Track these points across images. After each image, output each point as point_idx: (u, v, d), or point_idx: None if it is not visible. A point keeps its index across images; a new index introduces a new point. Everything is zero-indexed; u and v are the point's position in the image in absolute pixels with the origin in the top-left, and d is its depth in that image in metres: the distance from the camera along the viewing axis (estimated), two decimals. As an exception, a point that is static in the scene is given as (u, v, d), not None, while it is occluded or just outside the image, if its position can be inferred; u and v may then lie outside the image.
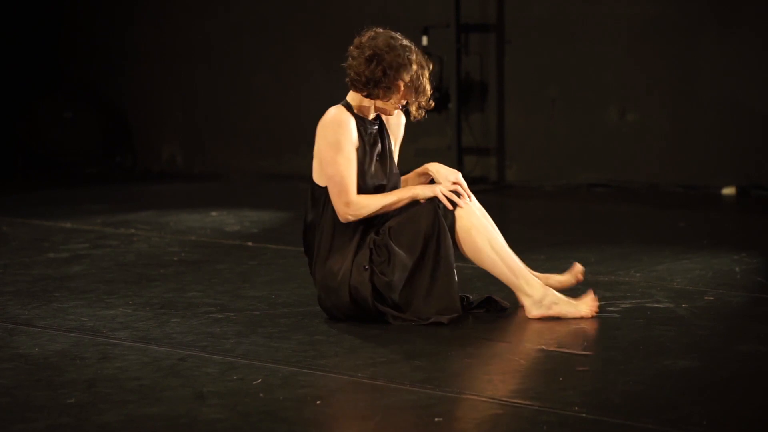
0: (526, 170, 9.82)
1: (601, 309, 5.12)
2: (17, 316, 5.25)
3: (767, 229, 7.72)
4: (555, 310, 4.96)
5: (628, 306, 5.19)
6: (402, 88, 4.93)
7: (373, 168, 4.97)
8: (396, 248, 4.87)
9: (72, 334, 4.88)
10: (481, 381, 4.25)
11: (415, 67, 4.93)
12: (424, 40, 9.86)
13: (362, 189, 4.93)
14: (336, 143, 4.87)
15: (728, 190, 8.97)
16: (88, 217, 8.24)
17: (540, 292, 4.96)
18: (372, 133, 5.00)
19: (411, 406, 3.90)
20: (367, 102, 4.99)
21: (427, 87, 5.00)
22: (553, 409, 3.80)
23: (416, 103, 5.00)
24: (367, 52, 4.92)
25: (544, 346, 4.57)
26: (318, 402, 3.95)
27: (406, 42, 5.01)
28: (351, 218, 4.90)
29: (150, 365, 4.41)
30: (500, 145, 9.89)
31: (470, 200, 5.00)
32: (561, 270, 5.99)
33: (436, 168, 5.11)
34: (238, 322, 5.04)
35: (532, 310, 4.97)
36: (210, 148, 11.30)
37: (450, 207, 4.92)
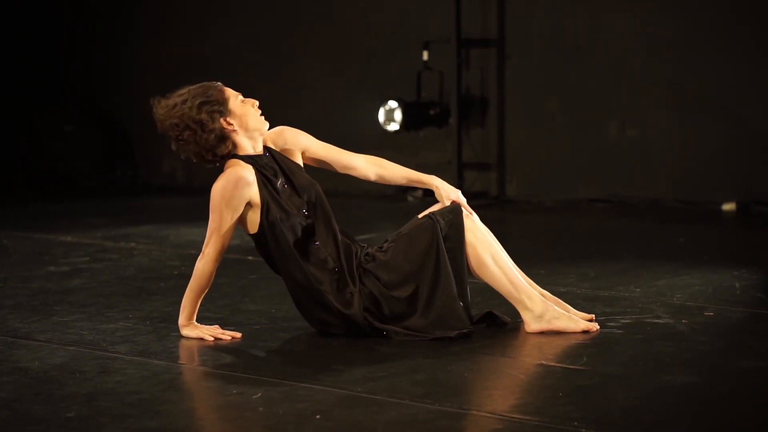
0: (526, 185, 9.83)
1: (602, 324, 5.12)
2: (17, 329, 5.25)
3: (767, 245, 7.72)
4: (555, 325, 4.97)
5: (628, 321, 5.19)
6: (230, 112, 4.89)
7: (285, 196, 4.93)
8: (398, 263, 4.89)
9: (72, 348, 4.88)
10: (480, 396, 4.25)
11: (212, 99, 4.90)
12: (425, 55, 9.87)
13: (286, 221, 4.88)
14: (218, 200, 4.96)
15: (728, 206, 8.97)
16: (88, 231, 8.25)
17: (541, 307, 4.97)
18: (268, 166, 4.94)
19: (410, 420, 3.90)
20: (248, 142, 4.92)
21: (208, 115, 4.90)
22: (553, 425, 3.80)
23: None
24: (176, 122, 4.92)
25: (544, 361, 4.57)
26: (317, 416, 3.95)
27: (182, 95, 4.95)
28: (200, 266, 4.92)
29: (150, 379, 4.41)
30: (501, 159, 9.90)
31: (473, 215, 5.02)
32: (562, 284, 5.99)
33: (440, 183, 5.10)
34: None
35: (532, 324, 4.97)
36: (210, 162, 11.29)
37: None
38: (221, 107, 4.86)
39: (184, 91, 4.94)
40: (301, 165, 5.05)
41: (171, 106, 4.93)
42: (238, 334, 4.99)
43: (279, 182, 4.92)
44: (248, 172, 4.86)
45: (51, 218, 9.09)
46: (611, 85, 9.46)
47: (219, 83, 4.95)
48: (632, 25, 9.31)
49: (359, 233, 5.00)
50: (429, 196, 9.97)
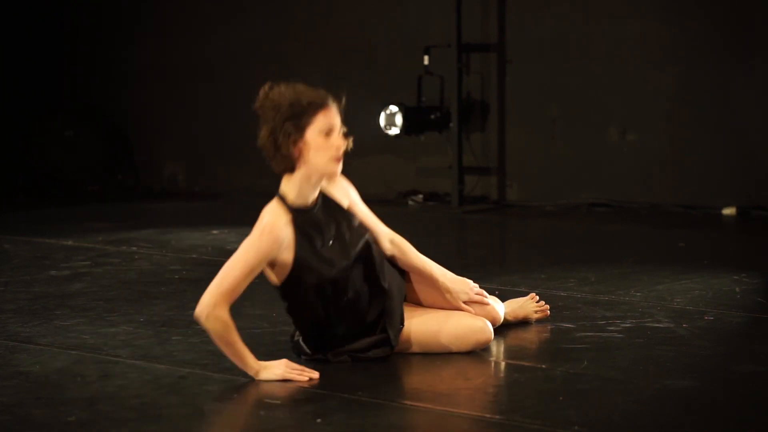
0: (526, 189, 9.83)
1: (602, 328, 5.13)
2: (18, 333, 5.25)
3: (767, 249, 7.72)
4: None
5: (628, 326, 5.20)
6: (314, 135, 4.40)
7: (329, 253, 4.53)
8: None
9: (73, 352, 4.89)
10: (481, 400, 4.26)
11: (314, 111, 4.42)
12: (426, 60, 9.88)
13: (323, 276, 4.51)
14: (249, 246, 4.44)
15: (728, 211, 8.97)
16: (89, 235, 8.25)
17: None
18: (317, 220, 4.51)
19: (410, 424, 3.90)
20: (305, 184, 4.47)
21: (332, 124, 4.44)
22: (554, 428, 3.80)
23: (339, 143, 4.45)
24: (266, 123, 4.49)
25: (544, 365, 4.58)
26: (318, 420, 3.95)
27: (290, 90, 4.46)
28: (202, 320, 4.43)
29: (151, 383, 4.41)
30: (501, 164, 9.90)
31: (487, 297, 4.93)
32: (563, 288, 6.00)
33: (451, 285, 4.83)
34: (238, 340, 5.04)
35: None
36: (211, 166, 11.31)
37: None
38: (298, 132, 4.40)
39: (293, 90, 4.45)
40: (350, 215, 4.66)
41: (270, 100, 4.49)
42: (316, 374, 4.46)
43: (326, 238, 4.52)
44: (284, 231, 4.45)
45: (52, 222, 9.10)
46: (611, 90, 9.46)
47: (330, 98, 4.44)
48: (632, 30, 9.32)
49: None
50: (430, 200, 9.98)
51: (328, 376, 4.47)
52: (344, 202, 4.66)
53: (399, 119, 9.75)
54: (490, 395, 4.32)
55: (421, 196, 10.02)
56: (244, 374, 4.50)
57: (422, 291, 4.85)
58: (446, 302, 4.81)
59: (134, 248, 7.67)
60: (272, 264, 4.50)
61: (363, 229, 4.65)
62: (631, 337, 4.99)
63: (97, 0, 11.79)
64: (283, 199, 4.51)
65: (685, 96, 9.20)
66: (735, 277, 6.29)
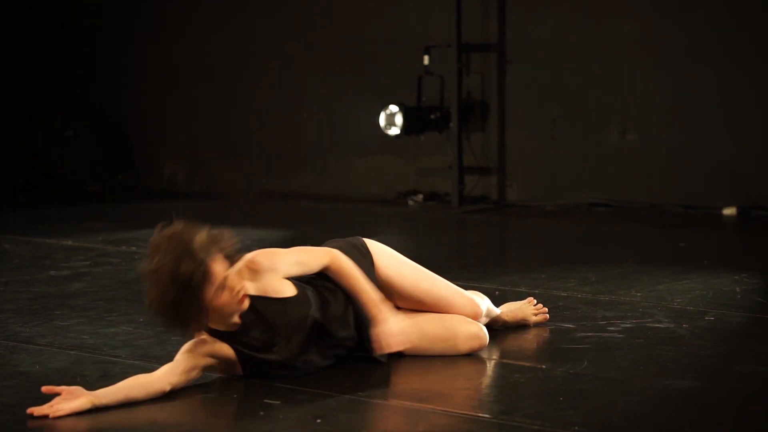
0: (526, 189, 9.83)
1: (602, 329, 5.13)
2: (18, 333, 5.25)
3: (767, 249, 7.72)
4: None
5: (628, 326, 5.20)
6: (212, 296, 4.19)
7: (272, 356, 4.38)
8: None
9: (73, 352, 4.89)
10: (481, 400, 4.26)
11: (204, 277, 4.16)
12: (426, 60, 9.88)
13: (276, 369, 4.39)
14: (186, 350, 4.32)
15: (729, 211, 8.97)
16: (89, 235, 8.25)
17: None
18: (246, 338, 4.36)
19: (412, 424, 3.90)
20: (219, 324, 4.32)
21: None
22: (554, 429, 3.80)
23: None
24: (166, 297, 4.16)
25: (544, 365, 4.58)
26: (318, 420, 3.95)
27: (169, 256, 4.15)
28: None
29: (150, 383, 4.41)
30: (501, 164, 9.90)
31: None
32: (563, 288, 6.00)
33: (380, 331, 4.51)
34: (238, 340, 5.05)
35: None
36: (211, 166, 11.31)
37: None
38: (198, 305, 4.17)
39: (176, 262, 4.15)
40: (285, 293, 4.44)
41: (160, 278, 4.17)
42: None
43: (263, 347, 4.37)
44: (217, 344, 4.35)
45: (52, 222, 9.10)
46: (611, 90, 9.46)
47: (211, 253, 4.18)
48: (632, 30, 9.32)
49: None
50: (430, 200, 9.98)
51: (328, 376, 4.47)
52: (278, 287, 4.43)
53: (399, 119, 9.75)
54: (490, 395, 4.32)
55: (421, 196, 10.02)
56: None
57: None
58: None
59: (134, 248, 7.67)
60: (221, 368, 4.40)
61: (304, 308, 4.43)
62: (631, 337, 4.99)
63: (97, 0, 11.80)
64: (211, 331, 4.36)
65: (685, 96, 9.20)
66: (735, 277, 6.29)
